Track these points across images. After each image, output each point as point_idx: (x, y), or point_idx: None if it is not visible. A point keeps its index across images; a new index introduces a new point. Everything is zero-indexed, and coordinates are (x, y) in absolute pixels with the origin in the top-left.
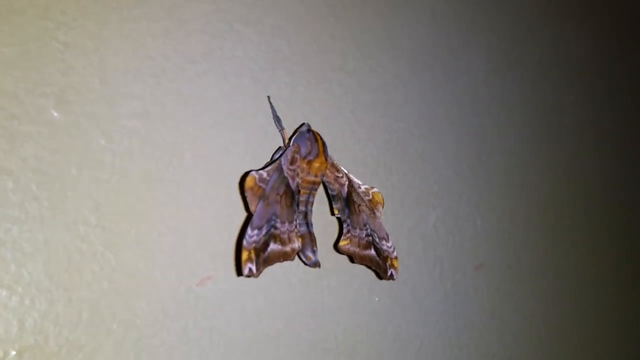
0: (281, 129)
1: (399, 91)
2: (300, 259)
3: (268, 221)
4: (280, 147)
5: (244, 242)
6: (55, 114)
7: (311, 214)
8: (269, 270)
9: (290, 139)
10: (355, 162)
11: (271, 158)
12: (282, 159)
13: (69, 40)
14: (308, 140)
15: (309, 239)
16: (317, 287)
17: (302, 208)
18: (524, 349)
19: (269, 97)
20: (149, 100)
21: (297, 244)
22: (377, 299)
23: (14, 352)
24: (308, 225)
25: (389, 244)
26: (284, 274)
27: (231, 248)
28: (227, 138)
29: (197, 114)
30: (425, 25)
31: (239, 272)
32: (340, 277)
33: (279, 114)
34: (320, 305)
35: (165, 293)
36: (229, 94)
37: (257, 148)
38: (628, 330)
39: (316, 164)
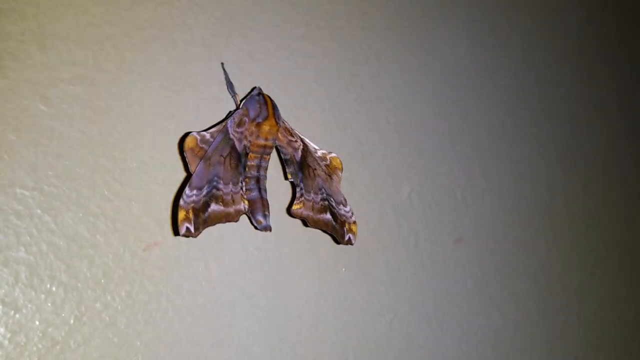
0: (234, 94)
1: (371, 62)
2: (252, 223)
3: (209, 182)
4: (230, 112)
5: (181, 202)
6: None
7: (264, 179)
8: (223, 237)
9: (241, 102)
10: (321, 132)
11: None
12: (229, 121)
13: (4, 7)
14: (257, 103)
15: (260, 203)
16: (277, 255)
17: (254, 172)
18: (512, 324)
19: (222, 63)
20: (92, 66)
21: (242, 206)
22: (344, 269)
23: None
24: (260, 190)
25: (347, 209)
26: (240, 242)
27: None
28: (176, 104)
29: (144, 80)
30: None
31: (176, 232)
32: (303, 245)
33: (233, 81)
34: (281, 274)
35: (108, 257)
36: (178, 60)
37: (209, 114)
38: (619, 303)
39: (266, 127)
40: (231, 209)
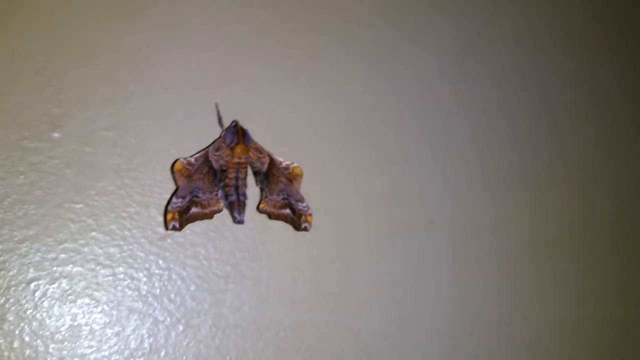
0: (222, 127)
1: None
2: (233, 218)
3: (191, 192)
4: (214, 140)
5: (169, 207)
6: None
7: (243, 187)
8: (216, 228)
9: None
10: (297, 144)
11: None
12: (210, 147)
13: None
14: (232, 132)
15: (237, 204)
16: (262, 240)
17: (233, 183)
18: (478, 303)
19: (216, 104)
20: (117, 117)
21: (217, 207)
22: (315, 252)
23: None
24: (238, 195)
25: (304, 204)
26: (231, 231)
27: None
28: (179, 138)
29: (155, 124)
30: None
31: (166, 227)
32: (283, 232)
33: (222, 116)
34: (264, 253)
35: (133, 245)
36: (182, 104)
37: (201, 143)
38: (587, 280)
39: (238, 150)
40: (207, 210)
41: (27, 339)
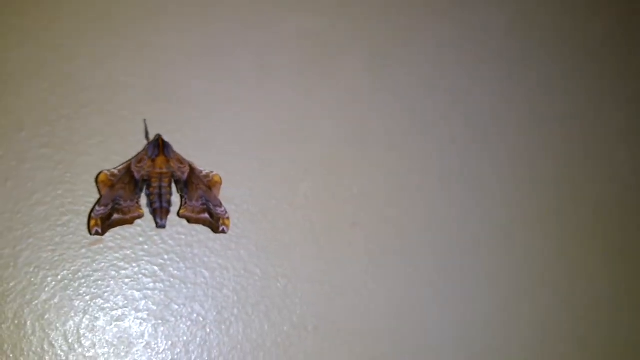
0: (148, 141)
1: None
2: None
3: (113, 200)
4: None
5: (92, 214)
6: None
7: (167, 194)
8: (144, 233)
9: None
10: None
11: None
12: (133, 160)
13: None
14: (153, 145)
15: (160, 210)
16: (188, 243)
17: (157, 191)
18: (404, 294)
19: (144, 120)
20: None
21: (137, 214)
22: (242, 251)
23: None
24: (161, 202)
25: (222, 209)
26: (159, 235)
27: None
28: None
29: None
30: None
31: (90, 233)
32: (211, 236)
33: (150, 131)
34: (190, 254)
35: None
36: (113, 119)
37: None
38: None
39: (159, 160)
40: (127, 216)
41: None
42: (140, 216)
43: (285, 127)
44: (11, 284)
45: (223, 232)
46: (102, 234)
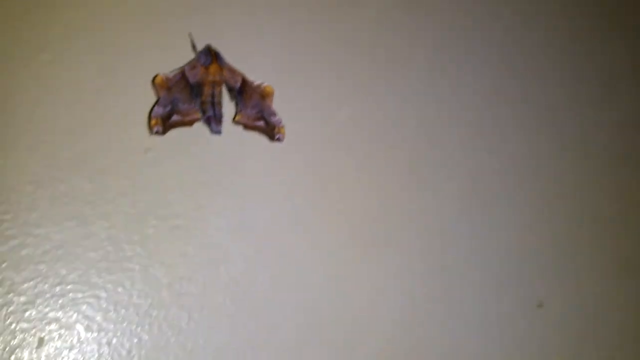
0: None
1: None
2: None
3: (171, 102)
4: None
5: (152, 113)
6: None
7: (219, 104)
8: (199, 142)
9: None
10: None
11: None
12: (186, 66)
13: None
14: (205, 54)
15: (214, 118)
16: (242, 150)
17: (209, 99)
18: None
19: (190, 33)
20: None
21: (195, 117)
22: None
23: None
24: (214, 110)
25: (277, 118)
26: (213, 144)
27: None
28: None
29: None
30: None
31: (150, 132)
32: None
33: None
34: (243, 162)
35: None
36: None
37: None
38: None
39: (212, 68)
40: (186, 119)
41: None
42: (198, 119)
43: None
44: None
45: (278, 140)
46: (163, 133)
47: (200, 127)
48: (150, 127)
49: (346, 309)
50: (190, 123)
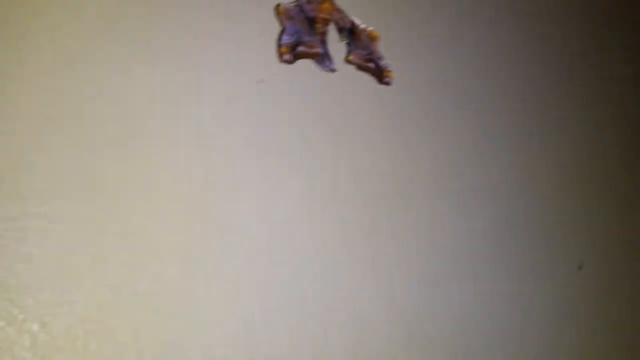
0: None
1: None
2: (321, 67)
3: (296, 32)
4: None
5: (282, 42)
6: None
7: (327, 42)
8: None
9: None
10: None
11: None
12: (302, 0)
13: None
14: None
15: (327, 55)
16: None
17: (321, 37)
18: None
19: None
20: None
21: (318, 49)
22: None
23: None
24: (325, 46)
25: (386, 62)
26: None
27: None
28: None
29: None
30: None
31: (280, 59)
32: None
33: None
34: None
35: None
36: None
37: None
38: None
39: (324, 6)
40: (311, 50)
41: None
42: (319, 53)
43: None
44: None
45: (387, 83)
46: (291, 62)
47: (309, 63)
48: (279, 55)
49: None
50: (314, 55)
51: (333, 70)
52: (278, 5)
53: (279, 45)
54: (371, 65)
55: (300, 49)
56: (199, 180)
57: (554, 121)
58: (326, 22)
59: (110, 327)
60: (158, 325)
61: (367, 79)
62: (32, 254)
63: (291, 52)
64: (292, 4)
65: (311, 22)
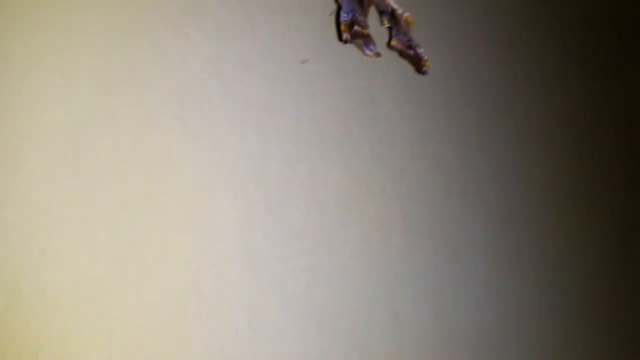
0: None
1: None
2: (367, 50)
3: (351, 11)
4: None
5: (341, 19)
6: None
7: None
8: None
9: None
10: None
11: None
12: None
13: None
14: None
15: (370, 39)
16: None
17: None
18: None
19: None
20: None
21: (369, 31)
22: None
23: None
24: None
25: (422, 50)
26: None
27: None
28: None
29: None
30: None
31: (339, 38)
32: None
33: None
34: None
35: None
36: None
37: None
38: None
39: None
40: (365, 31)
41: None
42: (370, 34)
43: None
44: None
45: (424, 73)
46: (350, 41)
47: (351, 47)
48: (340, 32)
49: None
50: (367, 36)
51: (378, 55)
52: None
53: (341, 23)
54: (412, 52)
55: (357, 29)
56: (255, 168)
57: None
58: (370, 3)
59: None
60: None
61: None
62: None
63: (349, 31)
64: None
65: (361, 1)
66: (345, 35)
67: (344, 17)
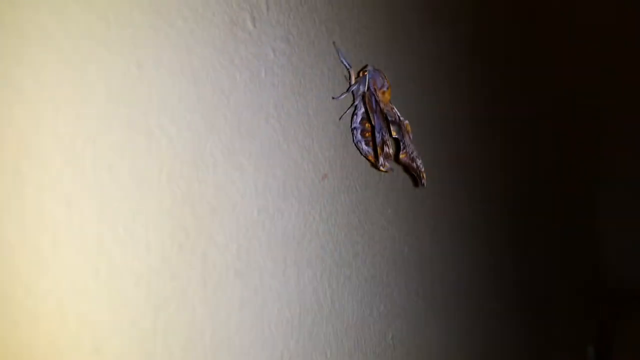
0: (349, 66)
1: None
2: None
3: (381, 129)
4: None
5: (377, 141)
6: None
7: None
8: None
9: (357, 77)
10: None
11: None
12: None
13: None
14: (380, 76)
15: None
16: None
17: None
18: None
19: (334, 42)
20: None
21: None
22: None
23: None
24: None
25: (420, 162)
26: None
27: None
28: None
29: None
30: None
31: (374, 164)
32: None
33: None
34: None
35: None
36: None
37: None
38: None
39: (387, 96)
40: (389, 151)
41: None
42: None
43: None
44: None
45: (423, 185)
46: (391, 169)
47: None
48: (376, 160)
49: None
50: (389, 157)
51: (390, 170)
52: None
53: (374, 148)
54: (413, 164)
55: (386, 150)
56: None
57: None
58: (382, 115)
59: None
60: None
61: None
62: None
63: (382, 153)
64: (362, 87)
65: (383, 114)
66: (381, 161)
67: (378, 138)
